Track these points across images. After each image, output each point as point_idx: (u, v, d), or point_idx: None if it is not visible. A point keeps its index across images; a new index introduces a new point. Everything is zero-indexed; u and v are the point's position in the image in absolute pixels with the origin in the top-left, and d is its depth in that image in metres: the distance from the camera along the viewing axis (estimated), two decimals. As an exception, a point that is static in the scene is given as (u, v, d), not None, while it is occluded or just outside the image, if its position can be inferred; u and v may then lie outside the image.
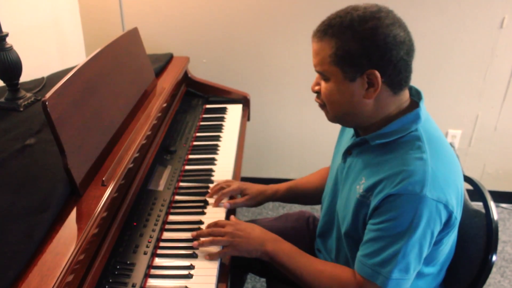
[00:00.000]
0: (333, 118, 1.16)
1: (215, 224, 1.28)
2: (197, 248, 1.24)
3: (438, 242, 1.09)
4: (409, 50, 1.05)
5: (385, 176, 1.05)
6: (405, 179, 1.00)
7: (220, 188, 1.49)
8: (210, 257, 1.22)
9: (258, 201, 1.52)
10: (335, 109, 1.12)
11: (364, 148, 1.17)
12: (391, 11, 1.06)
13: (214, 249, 1.23)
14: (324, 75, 1.09)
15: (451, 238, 1.15)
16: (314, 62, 1.10)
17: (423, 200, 0.99)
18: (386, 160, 1.08)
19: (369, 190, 1.09)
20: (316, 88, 1.14)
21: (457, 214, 1.07)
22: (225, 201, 1.47)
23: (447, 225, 1.05)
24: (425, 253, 1.05)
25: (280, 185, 1.55)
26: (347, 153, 1.24)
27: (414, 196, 0.99)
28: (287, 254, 1.21)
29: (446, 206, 1.02)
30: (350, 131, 1.29)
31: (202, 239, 1.25)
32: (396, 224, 1.01)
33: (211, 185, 1.54)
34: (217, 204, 1.45)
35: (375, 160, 1.12)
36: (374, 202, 1.06)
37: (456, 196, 1.05)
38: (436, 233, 1.04)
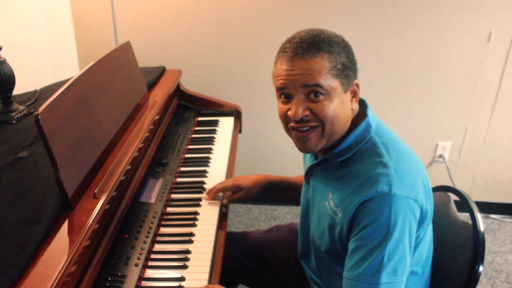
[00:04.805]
0: (321, 140, 1.12)
1: None
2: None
3: (416, 238, 1.10)
4: None
5: (352, 189, 1.07)
6: (373, 184, 1.03)
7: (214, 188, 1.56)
8: None
9: (253, 194, 1.57)
10: (335, 126, 1.10)
11: (324, 167, 1.20)
12: None
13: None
14: (325, 91, 1.06)
15: (428, 233, 1.17)
16: (306, 78, 1.05)
17: (394, 198, 1.01)
18: (348, 173, 1.11)
19: (338, 205, 1.11)
20: (307, 112, 1.08)
21: (428, 207, 1.09)
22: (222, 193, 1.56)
23: (420, 219, 1.08)
24: (408, 253, 1.05)
25: (273, 176, 1.60)
26: (309, 173, 1.26)
27: (385, 197, 1.01)
28: None
29: (416, 201, 1.04)
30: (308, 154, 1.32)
31: None
32: (373, 228, 1.02)
33: (202, 196, 1.55)
34: (211, 198, 1.53)
35: (338, 174, 1.14)
36: (346, 216, 1.07)
37: (423, 190, 1.08)
38: (414, 231, 1.05)
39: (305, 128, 1.10)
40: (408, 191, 1.03)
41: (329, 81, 1.06)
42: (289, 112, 1.10)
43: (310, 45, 1.06)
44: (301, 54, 1.06)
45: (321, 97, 1.07)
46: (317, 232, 1.22)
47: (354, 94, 1.13)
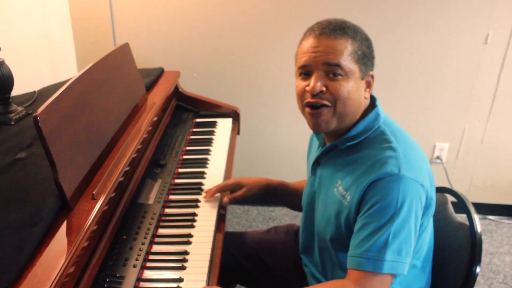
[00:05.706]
0: (332, 119, 1.15)
1: None
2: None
3: (420, 226, 1.12)
4: None
5: (361, 172, 1.10)
6: (382, 166, 1.07)
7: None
8: None
9: (255, 192, 1.56)
10: (347, 107, 1.14)
11: (332, 155, 1.22)
12: None
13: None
14: (344, 72, 1.12)
15: (430, 226, 1.20)
16: (329, 56, 1.11)
17: (403, 179, 1.04)
18: (358, 158, 1.14)
19: (347, 189, 1.13)
20: (323, 88, 1.13)
21: (432, 196, 1.12)
22: (220, 194, 1.55)
23: (425, 206, 1.10)
24: (413, 235, 1.07)
25: (273, 179, 1.60)
26: (316, 163, 1.28)
27: (394, 177, 1.04)
28: None
29: (422, 186, 1.07)
30: (315, 145, 1.35)
31: None
32: (382, 206, 1.05)
33: (200, 198, 1.55)
34: (209, 196, 1.52)
35: (346, 160, 1.17)
36: (355, 198, 1.10)
37: (428, 179, 1.12)
38: (419, 216, 1.08)
39: (319, 104, 1.14)
40: (416, 174, 1.07)
41: (349, 64, 1.12)
42: (307, 87, 1.14)
43: (337, 27, 1.14)
44: (328, 33, 1.13)
45: (339, 77, 1.12)
46: (322, 221, 1.24)
47: (369, 85, 1.19)
